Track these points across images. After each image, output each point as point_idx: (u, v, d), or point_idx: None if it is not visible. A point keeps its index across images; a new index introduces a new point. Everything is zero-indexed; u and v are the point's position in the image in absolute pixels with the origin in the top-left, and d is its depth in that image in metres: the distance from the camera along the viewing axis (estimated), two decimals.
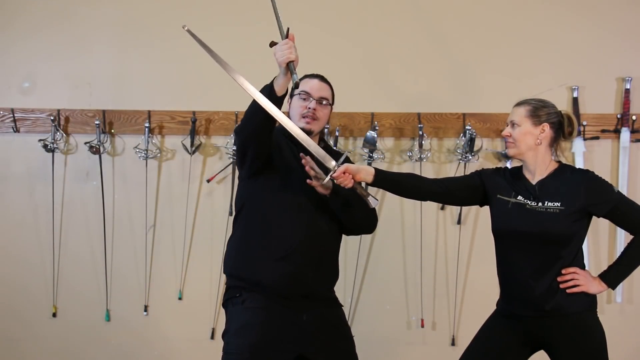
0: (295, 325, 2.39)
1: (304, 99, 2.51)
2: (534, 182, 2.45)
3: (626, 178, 3.41)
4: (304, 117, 2.49)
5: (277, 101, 2.30)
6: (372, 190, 2.89)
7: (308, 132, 2.47)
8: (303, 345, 2.40)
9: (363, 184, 2.43)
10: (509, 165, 3.31)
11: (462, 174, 3.41)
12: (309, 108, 2.49)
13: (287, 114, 2.49)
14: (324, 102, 2.54)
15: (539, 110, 2.43)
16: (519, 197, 2.44)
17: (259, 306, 2.38)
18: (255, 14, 3.56)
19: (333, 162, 2.34)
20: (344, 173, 2.32)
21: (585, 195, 2.37)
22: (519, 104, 2.48)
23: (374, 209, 2.46)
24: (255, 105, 2.29)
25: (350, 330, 2.56)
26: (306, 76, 2.58)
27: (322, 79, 2.59)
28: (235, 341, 2.36)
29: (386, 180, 2.45)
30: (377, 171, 2.41)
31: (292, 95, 2.55)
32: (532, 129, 2.42)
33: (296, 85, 2.31)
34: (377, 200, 2.39)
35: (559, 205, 2.37)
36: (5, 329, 3.70)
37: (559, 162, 2.50)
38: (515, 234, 2.42)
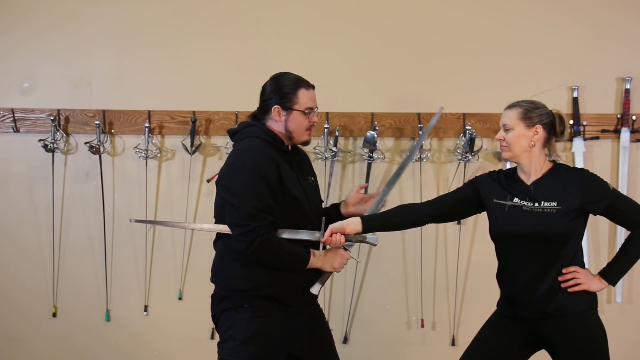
0: (292, 329, 2.48)
1: (307, 114, 2.50)
2: (529, 183, 2.45)
3: (626, 178, 3.41)
4: (308, 130, 2.53)
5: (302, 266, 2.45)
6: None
7: (308, 142, 2.58)
8: (295, 345, 2.51)
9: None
10: (508, 165, 3.31)
11: (462, 175, 3.43)
12: (314, 121, 2.54)
13: (283, 122, 2.49)
14: (316, 110, 2.57)
15: (531, 112, 2.42)
16: (515, 199, 2.44)
17: (266, 314, 2.43)
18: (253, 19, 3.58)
19: (317, 233, 2.45)
20: (330, 236, 2.41)
21: (581, 193, 2.37)
22: (510, 107, 2.47)
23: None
24: (292, 263, 2.43)
25: (324, 316, 2.68)
26: (301, 84, 2.50)
27: (313, 86, 2.55)
28: (244, 349, 2.40)
29: (376, 224, 2.50)
30: (364, 219, 2.47)
31: (286, 108, 2.47)
32: (525, 132, 2.41)
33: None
34: (376, 236, 2.52)
35: (555, 204, 2.37)
36: (5, 329, 3.70)
37: (554, 161, 2.49)
38: (514, 236, 2.42)
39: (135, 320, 3.65)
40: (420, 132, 3.43)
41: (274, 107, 2.47)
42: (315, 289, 2.49)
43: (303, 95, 2.48)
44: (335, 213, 2.70)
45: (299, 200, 2.45)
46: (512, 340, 2.48)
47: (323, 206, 2.77)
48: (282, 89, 2.48)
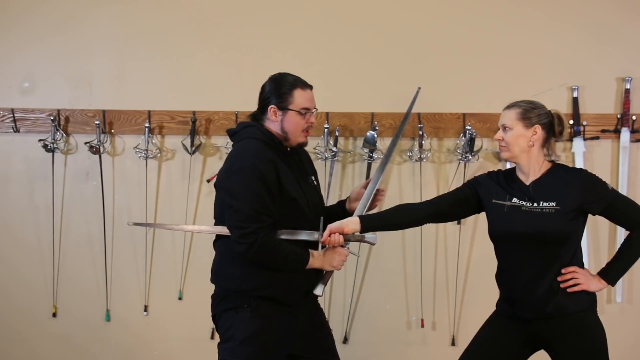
0: (292, 328, 2.49)
1: (304, 114, 2.48)
2: (527, 183, 2.45)
3: (626, 178, 3.41)
4: (304, 132, 2.52)
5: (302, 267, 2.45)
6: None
7: (305, 144, 2.57)
8: (295, 345, 2.52)
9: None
10: (508, 165, 3.31)
11: (462, 175, 3.43)
12: (311, 122, 2.52)
13: (279, 122, 2.48)
14: (315, 111, 2.55)
15: (530, 112, 2.42)
16: (514, 200, 2.44)
17: (266, 314, 2.43)
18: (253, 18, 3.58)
19: (316, 234, 2.45)
20: (329, 236, 2.42)
21: (580, 193, 2.37)
22: (508, 107, 2.47)
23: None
24: (293, 264, 2.42)
25: (324, 316, 2.69)
26: (298, 84, 2.48)
27: (311, 87, 2.54)
28: (244, 349, 2.41)
29: (374, 223, 2.50)
30: (362, 218, 2.48)
31: (282, 108, 2.47)
32: (524, 132, 2.41)
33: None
34: (375, 235, 2.51)
35: (554, 204, 2.37)
36: (5, 328, 3.71)
37: (552, 162, 2.49)
38: (513, 237, 2.42)
39: (135, 320, 3.65)
40: (420, 132, 3.44)
41: (270, 107, 2.48)
42: (318, 290, 2.50)
43: (299, 96, 2.46)
44: (341, 210, 2.71)
45: (297, 201, 2.45)
46: (511, 340, 2.48)
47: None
48: (279, 89, 2.47)
